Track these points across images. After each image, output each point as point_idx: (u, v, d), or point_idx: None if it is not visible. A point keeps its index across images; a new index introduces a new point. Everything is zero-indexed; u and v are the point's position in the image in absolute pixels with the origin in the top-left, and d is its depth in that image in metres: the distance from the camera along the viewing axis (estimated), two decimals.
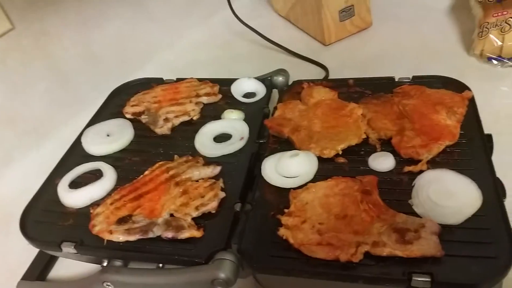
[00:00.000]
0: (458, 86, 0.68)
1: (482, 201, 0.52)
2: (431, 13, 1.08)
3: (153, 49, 1.10)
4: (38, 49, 0.85)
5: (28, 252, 0.67)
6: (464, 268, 0.46)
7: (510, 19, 0.84)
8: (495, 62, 0.88)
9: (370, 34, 1.06)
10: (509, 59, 0.87)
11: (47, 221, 0.61)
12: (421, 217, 0.51)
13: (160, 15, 1.09)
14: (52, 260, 0.69)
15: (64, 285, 0.64)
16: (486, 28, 0.87)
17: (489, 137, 0.61)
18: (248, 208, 0.57)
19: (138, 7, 1.03)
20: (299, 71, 0.93)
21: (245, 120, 0.71)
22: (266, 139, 0.67)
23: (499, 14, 0.85)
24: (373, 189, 0.55)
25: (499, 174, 0.55)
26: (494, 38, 0.87)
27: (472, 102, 0.65)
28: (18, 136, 0.85)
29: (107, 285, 0.55)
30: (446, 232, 0.49)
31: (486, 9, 0.88)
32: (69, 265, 0.67)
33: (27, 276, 0.66)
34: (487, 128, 0.62)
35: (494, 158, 0.59)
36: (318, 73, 0.96)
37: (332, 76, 0.93)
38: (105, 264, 0.57)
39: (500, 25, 0.85)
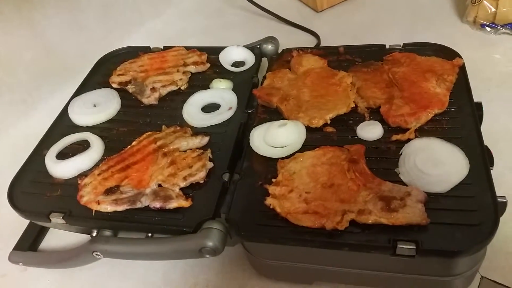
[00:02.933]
0: (449, 54, 0.67)
1: (469, 170, 0.52)
2: None
3: (141, 18, 1.07)
4: (21, 17, 0.82)
5: (19, 223, 0.67)
6: (449, 235, 0.47)
7: None
8: (488, 29, 0.87)
9: (362, 0, 1.04)
10: (502, 26, 0.86)
11: (35, 192, 0.61)
12: (407, 186, 0.51)
13: None
14: (43, 230, 0.69)
15: (55, 255, 0.65)
16: None
17: (479, 105, 0.61)
18: (236, 178, 0.57)
19: None
20: (290, 39, 0.91)
21: (234, 89, 0.71)
22: (255, 109, 0.67)
23: None
24: (360, 158, 0.54)
25: (488, 142, 0.55)
26: (487, 4, 0.85)
27: (462, 70, 0.65)
28: (4, 106, 0.84)
29: (96, 254, 0.55)
30: (432, 200, 0.50)
31: None
32: (60, 236, 0.68)
33: (18, 247, 0.66)
34: (478, 96, 0.61)
35: (484, 126, 0.59)
36: (310, 41, 0.94)
37: (324, 43, 0.92)
38: (94, 234, 0.58)
39: None
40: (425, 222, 0.47)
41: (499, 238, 0.53)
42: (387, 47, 0.71)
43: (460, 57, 0.66)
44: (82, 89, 0.76)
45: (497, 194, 0.49)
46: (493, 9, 0.85)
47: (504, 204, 0.49)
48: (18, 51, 0.84)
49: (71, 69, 0.89)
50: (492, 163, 0.53)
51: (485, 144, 0.55)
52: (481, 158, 0.53)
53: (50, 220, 0.57)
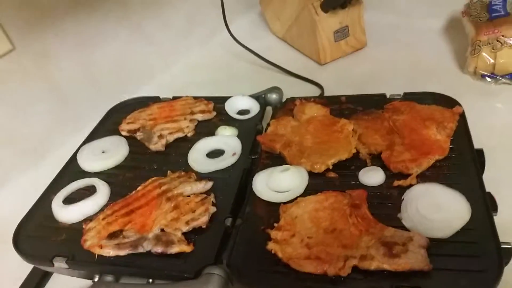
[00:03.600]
0: (449, 102, 0.69)
1: (471, 215, 0.51)
2: (425, 34, 1.09)
3: (151, 71, 1.12)
4: (38, 69, 0.87)
5: (22, 269, 0.67)
6: (452, 282, 0.46)
7: (501, 37, 0.86)
8: (488, 79, 0.89)
9: (365, 53, 1.08)
10: (502, 76, 0.88)
11: (40, 236, 0.62)
12: (410, 231, 0.51)
13: (158, 38, 1.12)
14: (45, 276, 0.69)
15: None
16: (478, 46, 0.88)
17: (480, 152, 0.61)
18: (239, 223, 0.58)
19: (137, 29, 1.06)
20: (295, 90, 0.94)
21: (239, 136, 0.72)
22: (258, 155, 0.68)
23: (490, 32, 0.87)
24: (362, 203, 0.55)
25: (491, 189, 0.55)
26: (486, 56, 0.88)
27: (463, 117, 0.66)
28: (16, 155, 0.87)
29: None
30: (434, 245, 0.49)
31: (478, 28, 0.89)
32: (62, 281, 0.67)
33: None
34: (481, 143, 0.62)
35: (487, 173, 0.59)
36: (314, 92, 0.97)
37: (327, 94, 0.94)
38: (96, 279, 0.57)
39: (492, 43, 0.87)
40: (428, 268, 0.46)
41: (508, 286, 0.51)
42: (388, 96, 0.73)
43: (460, 105, 0.67)
44: (92, 137, 0.78)
45: (503, 241, 0.48)
46: (492, 60, 0.87)
47: (509, 251, 0.48)
48: (32, 102, 0.87)
49: (82, 119, 0.92)
50: (495, 209, 0.53)
51: (488, 191, 0.54)
52: (483, 203, 0.53)
53: (53, 264, 0.57)
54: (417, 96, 0.71)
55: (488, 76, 0.89)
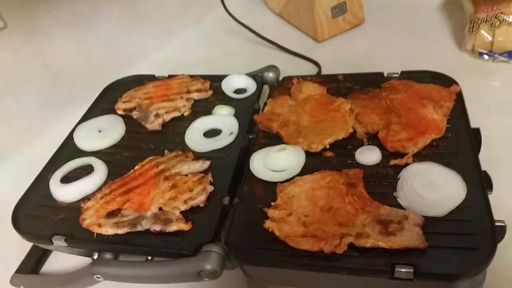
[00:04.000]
0: (446, 81, 0.68)
1: (466, 194, 0.52)
2: (423, 10, 1.08)
3: (146, 49, 1.10)
4: (31, 47, 0.85)
5: (22, 247, 0.68)
6: (447, 259, 0.46)
7: (500, 14, 0.85)
8: (486, 57, 0.89)
9: (362, 30, 1.07)
10: (500, 54, 0.87)
11: (38, 215, 0.62)
12: (405, 209, 0.52)
13: (153, 15, 1.10)
14: (45, 254, 0.70)
15: (56, 278, 0.65)
16: (476, 23, 0.88)
17: (477, 131, 0.61)
18: (236, 202, 0.58)
19: (131, 7, 1.04)
20: (292, 68, 0.93)
21: (235, 115, 0.72)
22: (255, 134, 0.68)
23: (489, 9, 0.86)
24: (358, 182, 0.55)
25: (488, 168, 0.55)
26: (485, 34, 0.87)
27: (460, 96, 0.66)
28: (11, 133, 0.86)
29: (97, 277, 0.55)
30: (430, 224, 0.50)
31: (477, 5, 0.88)
32: (62, 259, 0.68)
33: (20, 270, 0.67)
34: (477, 122, 0.62)
35: (484, 152, 0.60)
36: (311, 70, 0.96)
37: (324, 72, 0.94)
38: (95, 257, 0.58)
39: (490, 21, 0.86)
40: (423, 246, 0.47)
41: (501, 263, 0.53)
42: (385, 75, 0.73)
43: (457, 84, 0.67)
44: (88, 116, 0.78)
45: (497, 219, 0.49)
46: (490, 38, 0.87)
47: (502, 229, 0.49)
48: (26, 80, 0.86)
49: (77, 97, 0.91)
50: (491, 188, 0.54)
51: (483, 169, 0.55)
52: (478, 182, 0.53)
53: (52, 243, 0.58)
54: (414, 74, 0.71)
55: (486, 54, 0.89)
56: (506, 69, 0.87)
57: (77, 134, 0.73)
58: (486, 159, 0.57)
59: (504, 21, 0.85)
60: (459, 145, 0.59)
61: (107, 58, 1.00)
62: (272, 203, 0.56)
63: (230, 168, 0.63)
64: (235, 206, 0.58)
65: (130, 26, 1.05)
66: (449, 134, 0.60)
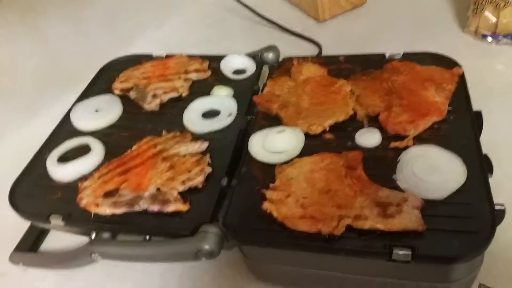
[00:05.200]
0: (448, 63, 0.67)
1: (466, 177, 0.52)
2: None
3: (143, 27, 1.09)
4: (25, 25, 0.84)
5: (21, 225, 0.68)
6: (445, 242, 0.46)
7: None
8: (489, 39, 0.88)
9: (365, 10, 1.05)
10: (504, 36, 0.86)
11: (36, 195, 0.62)
12: (404, 192, 0.51)
13: None
14: (43, 232, 0.70)
15: (54, 256, 0.65)
16: (481, 4, 0.86)
17: (479, 114, 0.61)
18: (234, 183, 0.58)
19: None
20: (292, 48, 0.92)
21: (234, 96, 0.71)
22: (254, 115, 0.67)
23: None
24: (357, 164, 0.55)
25: (489, 151, 0.55)
26: (489, 15, 0.86)
27: (462, 79, 0.65)
28: (8, 112, 0.86)
29: (95, 256, 0.56)
30: (429, 206, 0.49)
31: None
32: (60, 237, 0.68)
33: (19, 248, 0.67)
34: (479, 105, 0.61)
35: (485, 135, 0.59)
36: (312, 50, 0.95)
37: (325, 53, 0.93)
38: (93, 236, 0.58)
39: (495, 1, 0.84)
40: (422, 229, 0.47)
41: (499, 246, 0.53)
42: (387, 56, 0.71)
43: (460, 66, 0.66)
44: (84, 95, 0.77)
45: (497, 202, 0.48)
46: (495, 19, 0.85)
47: (502, 212, 0.49)
48: (22, 59, 0.86)
49: (74, 76, 0.90)
50: (491, 171, 0.53)
51: (484, 153, 0.54)
52: (479, 166, 0.53)
53: (50, 222, 0.58)
54: (416, 56, 0.70)
55: (490, 36, 0.87)
56: (510, 52, 0.86)
57: (74, 114, 0.72)
58: (488, 143, 0.56)
59: (509, 3, 0.83)
60: (460, 128, 0.58)
61: (104, 36, 0.99)
62: (271, 185, 0.55)
63: (229, 149, 0.62)
64: (233, 187, 0.57)
65: (128, 4, 1.03)
66: (451, 117, 0.60)
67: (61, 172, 0.63)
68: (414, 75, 0.65)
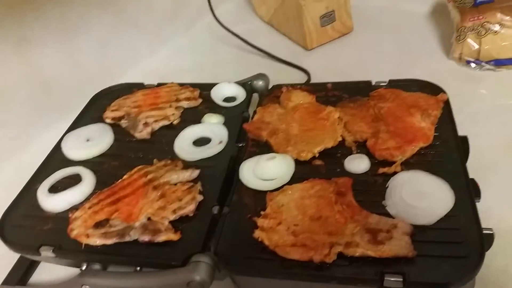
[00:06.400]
0: (433, 89, 0.69)
1: (454, 202, 0.52)
2: (411, 18, 1.10)
3: (136, 56, 1.10)
4: (18, 54, 0.85)
5: (9, 258, 0.67)
6: (436, 267, 0.47)
7: (485, 23, 0.86)
8: (473, 65, 0.90)
9: (351, 38, 1.08)
10: (486, 62, 0.89)
11: (26, 226, 0.61)
12: (394, 218, 0.52)
13: (142, 22, 1.10)
14: (33, 265, 0.69)
15: None
16: (463, 32, 0.89)
17: (465, 139, 0.62)
18: (226, 211, 0.58)
19: (121, 14, 1.04)
20: (281, 76, 0.93)
21: (225, 124, 0.72)
22: (245, 143, 0.68)
23: (475, 18, 0.87)
24: (347, 191, 0.55)
25: (476, 176, 0.56)
26: (471, 42, 0.89)
27: (447, 105, 0.66)
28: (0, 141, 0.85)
29: None
30: (418, 232, 0.50)
31: (463, 14, 0.90)
32: (50, 270, 0.67)
33: (7, 281, 0.66)
34: (465, 130, 0.63)
35: (472, 160, 0.60)
36: (301, 78, 0.97)
37: (314, 80, 0.94)
38: (83, 267, 0.57)
39: (477, 29, 0.87)
40: (412, 255, 0.47)
41: (490, 271, 0.53)
42: (373, 83, 0.73)
43: (444, 92, 0.68)
44: (76, 124, 0.77)
45: (485, 227, 0.49)
46: (477, 46, 0.88)
47: (490, 237, 0.49)
48: (14, 88, 0.85)
49: (66, 105, 0.91)
50: (478, 196, 0.54)
51: (471, 177, 0.55)
52: (466, 191, 0.53)
53: (40, 254, 0.57)
54: (402, 83, 0.72)
55: (473, 62, 0.90)
56: (493, 77, 0.88)
57: (65, 143, 0.72)
58: (474, 167, 0.58)
59: (490, 30, 0.86)
60: (447, 153, 0.59)
61: (96, 65, 1.00)
62: (262, 212, 0.56)
63: (220, 177, 0.63)
64: (224, 215, 0.57)
65: (120, 33, 1.05)
66: (437, 143, 0.61)
67: (51, 203, 0.63)
68: (400, 101, 0.67)
